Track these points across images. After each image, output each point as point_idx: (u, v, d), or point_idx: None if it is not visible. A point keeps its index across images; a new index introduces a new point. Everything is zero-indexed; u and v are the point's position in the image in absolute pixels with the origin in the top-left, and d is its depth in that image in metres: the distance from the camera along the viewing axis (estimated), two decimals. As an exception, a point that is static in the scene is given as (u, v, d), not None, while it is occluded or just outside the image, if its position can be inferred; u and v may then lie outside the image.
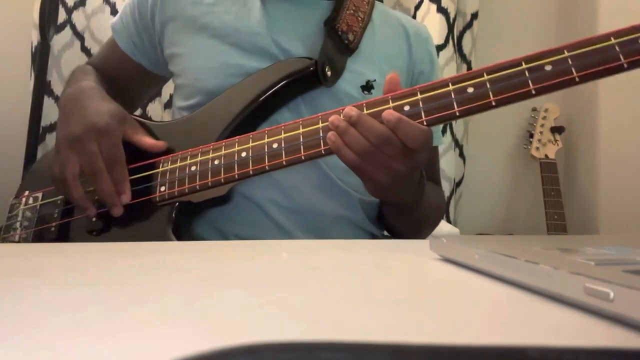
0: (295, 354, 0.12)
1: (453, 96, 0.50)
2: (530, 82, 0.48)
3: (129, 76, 0.78)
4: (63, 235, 0.65)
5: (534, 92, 0.48)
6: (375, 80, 0.67)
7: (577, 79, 0.47)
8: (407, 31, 0.75)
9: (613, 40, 0.47)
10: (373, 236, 0.70)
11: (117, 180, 0.58)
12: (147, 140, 0.63)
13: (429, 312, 0.20)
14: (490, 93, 0.49)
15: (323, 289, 0.23)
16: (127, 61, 0.77)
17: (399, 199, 0.58)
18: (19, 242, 0.67)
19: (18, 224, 0.68)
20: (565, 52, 0.48)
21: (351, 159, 0.50)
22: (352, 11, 0.69)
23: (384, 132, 0.48)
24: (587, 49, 0.47)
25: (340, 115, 0.51)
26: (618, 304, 0.17)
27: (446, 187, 1.45)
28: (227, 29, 0.67)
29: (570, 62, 0.47)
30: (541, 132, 1.51)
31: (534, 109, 1.56)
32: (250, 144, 0.56)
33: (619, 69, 0.47)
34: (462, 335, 0.17)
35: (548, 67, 0.48)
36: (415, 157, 0.50)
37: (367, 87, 0.67)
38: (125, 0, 0.76)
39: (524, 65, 0.49)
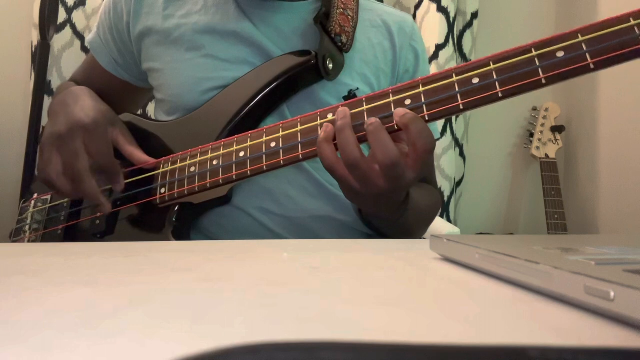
0: (296, 353, 0.12)
1: (457, 88, 0.46)
2: (540, 70, 0.44)
3: (115, 92, 0.76)
4: (69, 238, 0.65)
5: (544, 81, 0.44)
6: (358, 89, 0.64)
7: (592, 66, 0.42)
8: (390, 30, 0.72)
9: (633, 22, 0.41)
10: (369, 237, 0.69)
11: (111, 176, 0.58)
12: (137, 154, 0.61)
13: (429, 312, 0.19)
14: (497, 84, 0.45)
15: (323, 289, 0.23)
16: (111, 78, 0.75)
17: (375, 211, 0.55)
18: None
19: (27, 227, 0.69)
20: (580, 36, 0.43)
21: (330, 157, 0.48)
22: (341, 10, 0.66)
23: (394, 157, 0.45)
24: (603, 32, 0.42)
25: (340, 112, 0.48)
26: (619, 304, 0.17)
27: (446, 186, 1.45)
28: (201, 40, 0.65)
29: (584, 47, 0.43)
30: (541, 132, 1.51)
31: (534, 108, 1.56)
32: (249, 143, 0.55)
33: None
34: (462, 335, 0.17)
35: (560, 54, 0.43)
36: (403, 179, 0.47)
37: (349, 97, 0.63)
38: (100, 16, 0.74)
39: (534, 52, 0.44)
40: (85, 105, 0.60)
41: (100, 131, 0.58)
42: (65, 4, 1.38)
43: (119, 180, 0.59)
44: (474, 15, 1.54)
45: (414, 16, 1.52)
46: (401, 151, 0.47)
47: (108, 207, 0.59)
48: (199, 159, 0.58)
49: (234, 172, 0.55)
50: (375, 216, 0.57)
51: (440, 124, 1.41)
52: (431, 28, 1.45)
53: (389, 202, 0.52)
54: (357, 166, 0.47)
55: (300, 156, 0.52)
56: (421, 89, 0.48)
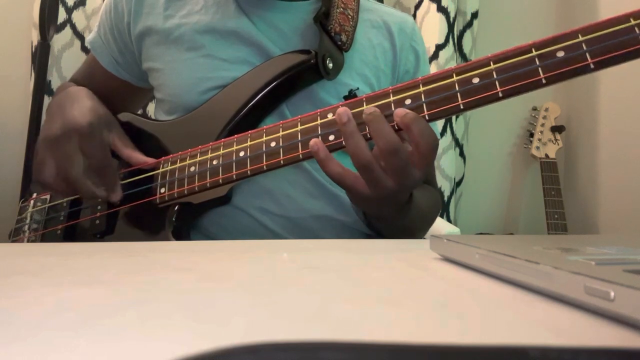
0: (296, 353, 0.12)
1: (457, 88, 0.46)
2: (540, 70, 0.44)
3: (116, 92, 0.75)
4: (69, 238, 0.65)
5: (544, 81, 0.43)
6: (358, 89, 0.64)
7: (592, 66, 0.42)
8: (390, 30, 0.72)
9: (633, 22, 0.41)
10: (369, 237, 0.69)
11: (108, 184, 0.58)
12: (136, 156, 0.61)
13: (429, 312, 0.19)
14: (497, 83, 0.45)
15: (323, 289, 0.23)
16: (111, 78, 0.74)
17: (380, 213, 0.55)
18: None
19: (27, 226, 0.68)
20: (580, 36, 0.43)
21: (337, 171, 0.48)
22: (341, 9, 0.66)
23: (395, 142, 0.45)
24: (603, 32, 0.42)
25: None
26: (619, 304, 0.17)
27: (446, 186, 1.45)
28: (202, 40, 0.65)
29: (584, 47, 0.42)
30: (541, 132, 1.51)
31: (534, 108, 1.56)
32: (249, 143, 0.55)
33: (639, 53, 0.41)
34: (462, 335, 0.17)
35: (560, 54, 0.43)
36: (410, 176, 0.47)
37: (350, 97, 0.63)
38: (100, 16, 0.74)
39: (534, 52, 0.44)
40: (82, 107, 0.59)
41: (95, 134, 0.57)
42: (65, 4, 1.38)
43: (115, 188, 0.59)
44: (474, 15, 1.54)
45: (414, 16, 1.52)
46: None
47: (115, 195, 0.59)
48: (198, 158, 0.58)
49: (234, 172, 0.55)
50: (378, 217, 0.57)
51: (440, 124, 1.41)
52: (431, 28, 1.45)
53: (394, 203, 0.51)
54: (370, 169, 0.46)
55: (301, 156, 0.52)
56: (421, 88, 0.48)
